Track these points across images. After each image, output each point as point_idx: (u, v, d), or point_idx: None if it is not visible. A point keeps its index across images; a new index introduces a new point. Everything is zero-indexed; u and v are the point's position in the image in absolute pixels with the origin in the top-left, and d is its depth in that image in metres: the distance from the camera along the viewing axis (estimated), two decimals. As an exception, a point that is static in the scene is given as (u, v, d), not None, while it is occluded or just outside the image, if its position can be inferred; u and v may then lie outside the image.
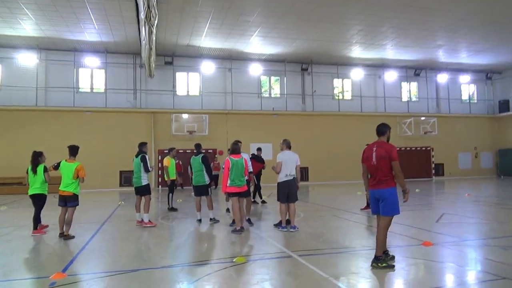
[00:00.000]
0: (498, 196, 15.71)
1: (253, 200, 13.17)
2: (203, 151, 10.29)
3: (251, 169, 9.35)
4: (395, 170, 5.29)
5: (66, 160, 8.00)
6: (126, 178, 21.89)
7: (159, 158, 22.13)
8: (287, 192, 8.11)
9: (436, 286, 4.68)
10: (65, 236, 7.73)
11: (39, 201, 8.40)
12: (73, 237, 7.76)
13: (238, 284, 4.87)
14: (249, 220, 8.89)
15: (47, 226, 8.76)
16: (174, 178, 12.25)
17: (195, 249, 7.12)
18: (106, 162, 21.38)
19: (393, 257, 5.53)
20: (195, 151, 9.89)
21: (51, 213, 9.78)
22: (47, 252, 7.02)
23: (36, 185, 8.41)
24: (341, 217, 10.14)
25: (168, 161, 12.11)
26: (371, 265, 5.28)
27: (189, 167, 9.99)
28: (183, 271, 5.49)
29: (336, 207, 12.24)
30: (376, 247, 5.31)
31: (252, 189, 11.08)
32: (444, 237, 7.30)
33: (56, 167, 8.09)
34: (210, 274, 5.24)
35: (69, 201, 7.86)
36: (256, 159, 12.05)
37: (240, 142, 8.86)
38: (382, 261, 5.26)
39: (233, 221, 8.61)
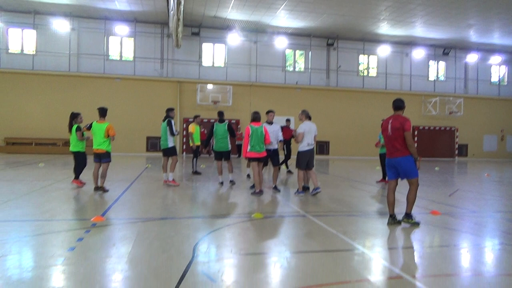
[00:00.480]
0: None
1: (288, 170, 13.70)
2: (227, 120, 10.78)
3: (281, 138, 9.33)
4: (407, 140, 5.75)
5: (97, 121, 8.66)
6: (152, 144, 22.85)
7: (184, 126, 22.88)
8: (308, 160, 8.60)
9: (433, 245, 5.12)
10: (100, 188, 8.48)
11: (76, 157, 9.18)
12: (107, 190, 8.51)
13: (254, 234, 5.44)
14: (275, 188, 9.25)
15: (84, 183, 9.49)
16: (199, 143, 12.85)
17: (216, 205, 7.75)
18: (133, 128, 22.30)
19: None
20: (218, 118, 10.40)
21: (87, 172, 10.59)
22: (85, 201, 7.79)
23: (72, 143, 9.22)
24: (357, 188, 10.58)
25: (193, 128, 12.71)
26: (402, 220, 5.90)
27: (210, 133, 10.38)
28: (205, 222, 6.11)
29: (353, 179, 12.66)
30: (407, 206, 5.90)
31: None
32: (453, 208, 7.65)
33: (89, 127, 8.78)
34: (229, 225, 5.83)
35: (103, 158, 8.59)
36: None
37: (273, 112, 9.39)
38: (412, 218, 5.87)
39: (253, 185, 9.16)
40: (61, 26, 21.98)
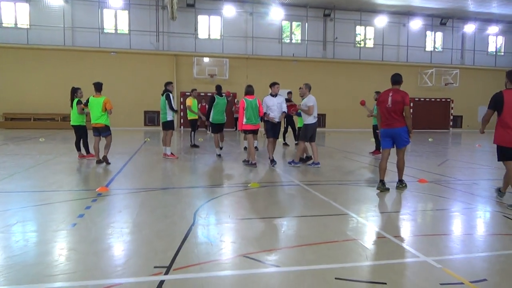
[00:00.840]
0: None
1: (284, 142, 13.94)
2: (224, 93, 10.98)
3: (285, 109, 9.12)
4: (406, 113, 6.32)
5: (93, 96, 8.87)
6: (150, 118, 23.05)
7: (181, 100, 22.99)
8: (312, 133, 8.90)
9: (417, 209, 5.50)
10: (103, 158, 8.79)
11: (77, 131, 9.46)
12: (109, 163, 8.82)
13: (250, 202, 5.79)
14: (273, 160, 9.25)
15: (92, 155, 9.72)
16: (196, 117, 13.06)
17: (215, 176, 8.09)
18: (131, 102, 22.40)
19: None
20: (216, 92, 10.61)
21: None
22: (89, 173, 8.11)
23: (73, 117, 9.46)
24: (350, 159, 10.94)
25: (191, 101, 12.89)
26: (397, 188, 6.57)
27: (210, 105, 10.54)
28: (205, 191, 6.46)
29: (348, 151, 13.00)
30: (400, 174, 6.60)
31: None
32: (440, 177, 8.02)
33: (86, 103, 8.99)
34: (227, 194, 6.19)
35: (102, 132, 8.88)
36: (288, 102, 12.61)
37: (278, 84, 9.12)
38: (403, 182, 6.63)
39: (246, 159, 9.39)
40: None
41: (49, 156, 10.26)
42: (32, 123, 21.55)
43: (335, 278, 3.10)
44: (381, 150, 6.91)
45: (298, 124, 11.95)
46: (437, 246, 3.95)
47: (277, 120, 9.02)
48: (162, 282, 2.99)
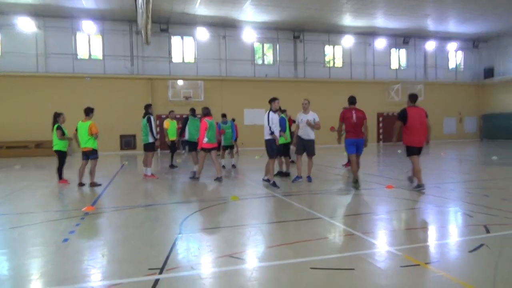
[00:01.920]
0: (472, 155, 17.17)
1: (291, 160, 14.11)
2: (199, 115, 11.45)
3: (278, 129, 8.75)
4: (366, 126, 8.24)
5: (81, 121, 9.16)
6: (126, 142, 23.12)
7: (157, 123, 23.22)
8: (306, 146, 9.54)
9: (382, 211, 6.05)
10: (91, 184, 9.06)
11: (58, 156, 9.61)
12: (99, 184, 9.12)
13: (232, 212, 6.18)
14: (283, 173, 10.19)
15: (68, 181, 9.84)
16: (174, 138, 13.39)
17: (196, 192, 8.43)
18: (106, 127, 22.29)
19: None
20: (191, 113, 11.36)
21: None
22: (72, 195, 8.28)
23: (54, 142, 9.63)
24: (324, 171, 11.51)
25: (168, 124, 13.23)
26: (352, 186, 7.94)
27: (184, 126, 11.29)
28: (188, 206, 6.81)
29: (321, 164, 13.59)
30: (355, 174, 8.13)
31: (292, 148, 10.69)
32: (405, 183, 8.64)
33: (75, 131, 9.28)
34: (210, 207, 6.56)
35: (90, 155, 9.13)
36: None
37: (277, 99, 8.68)
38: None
39: (219, 177, 9.64)
40: (26, 25, 21.74)
41: (29, 181, 10.33)
42: (4, 151, 21.18)
43: (310, 268, 3.54)
44: (348, 156, 8.40)
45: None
46: (399, 239, 4.48)
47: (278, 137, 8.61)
48: (157, 280, 3.34)
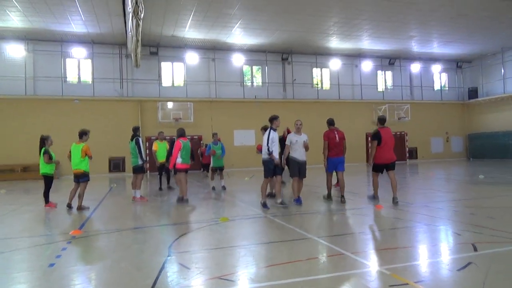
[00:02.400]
0: (459, 174, 17.39)
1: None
2: (189, 137, 11.40)
3: (274, 151, 8.38)
4: (345, 146, 9.05)
5: (75, 143, 9.14)
6: (115, 164, 22.92)
7: (147, 145, 23.12)
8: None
9: (371, 230, 6.07)
10: (79, 207, 8.91)
11: (45, 179, 9.48)
12: (87, 208, 9.00)
13: (221, 233, 6.14)
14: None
15: (56, 204, 9.72)
16: (163, 160, 13.28)
17: (185, 214, 8.37)
18: (95, 149, 21.79)
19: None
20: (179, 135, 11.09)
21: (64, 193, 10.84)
22: (59, 219, 8.14)
23: (41, 166, 9.51)
24: (314, 192, 11.52)
25: (156, 146, 13.17)
26: (341, 201, 8.68)
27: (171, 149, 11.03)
28: (176, 227, 6.75)
29: (312, 185, 13.61)
30: (342, 190, 8.96)
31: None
32: (396, 202, 8.72)
33: (69, 153, 9.22)
34: (199, 228, 6.51)
35: (80, 178, 9.03)
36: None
37: (278, 117, 8.51)
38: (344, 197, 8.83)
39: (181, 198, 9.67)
40: (15, 50, 21.79)
41: (15, 205, 10.14)
42: (-10, 175, 20.83)
43: (300, 289, 3.52)
44: (327, 173, 9.24)
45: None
46: (388, 258, 4.49)
47: (276, 158, 8.36)
48: (145, 304, 3.29)
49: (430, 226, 6.18)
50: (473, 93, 31.17)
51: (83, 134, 9.23)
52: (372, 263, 4.26)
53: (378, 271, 3.97)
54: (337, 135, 8.89)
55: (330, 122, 9.23)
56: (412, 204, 8.53)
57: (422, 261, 4.41)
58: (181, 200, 9.59)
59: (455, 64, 31.59)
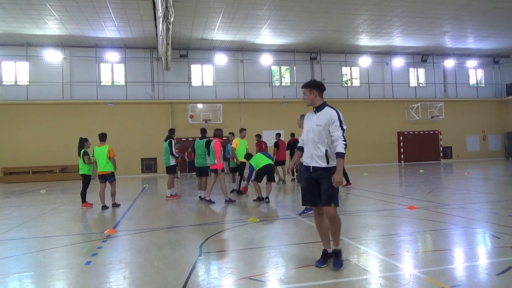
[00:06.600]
0: (497, 174, 16.66)
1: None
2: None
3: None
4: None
5: (98, 146, 9.49)
6: (147, 165, 23.47)
7: (178, 145, 23.52)
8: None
9: (406, 232, 5.92)
10: (113, 204, 9.48)
11: (83, 179, 9.85)
12: (119, 205, 9.51)
13: (251, 234, 6.17)
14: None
15: (92, 204, 10.06)
16: (243, 160, 11.48)
17: (215, 214, 8.45)
18: (128, 151, 22.87)
19: None
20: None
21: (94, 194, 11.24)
22: (95, 218, 8.45)
23: (80, 166, 9.88)
24: (346, 192, 11.37)
25: (237, 143, 11.76)
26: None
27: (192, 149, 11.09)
28: (207, 227, 6.83)
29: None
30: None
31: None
32: (429, 203, 8.47)
33: (93, 155, 9.58)
34: (229, 229, 6.57)
35: (108, 178, 9.40)
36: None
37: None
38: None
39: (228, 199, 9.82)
40: (53, 56, 22.76)
41: (54, 205, 10.59)
42: (31, 176, 21.83)
43: (331, 291, 3.48)
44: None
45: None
46: (423, 261, 4.36)
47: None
48: (177, 303, 3.35)
49: (466, 229, 5.96)
50: (511, 89, 29.79)
51: (105, 137, 9.63)
52: (406, 266, 4.16)
53: (413, 274, 3.86)
54: None
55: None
56: (447, 205, 8.25)
57: (459, 265, 4.26)
58: (229, 201, 9.64)
59: (491, 59, 30.26)
